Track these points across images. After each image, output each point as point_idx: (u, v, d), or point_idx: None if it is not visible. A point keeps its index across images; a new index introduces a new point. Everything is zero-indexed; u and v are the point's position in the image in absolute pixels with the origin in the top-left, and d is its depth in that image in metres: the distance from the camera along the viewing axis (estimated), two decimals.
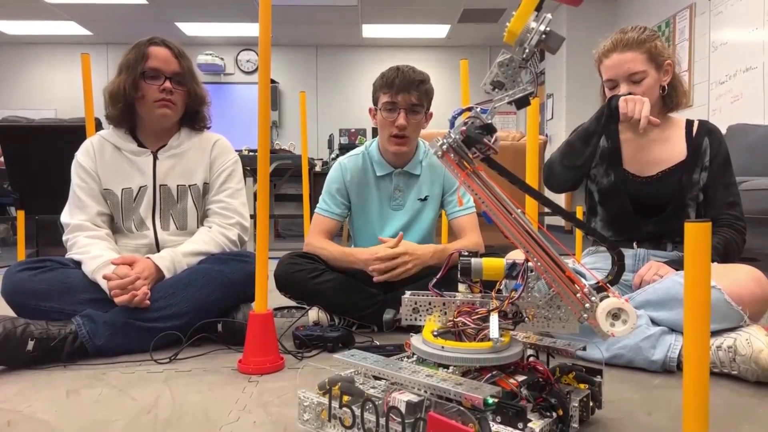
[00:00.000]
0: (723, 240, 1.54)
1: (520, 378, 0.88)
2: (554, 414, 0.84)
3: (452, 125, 0.92)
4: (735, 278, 1.34)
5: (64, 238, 1.70)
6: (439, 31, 7.40)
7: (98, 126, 2.43)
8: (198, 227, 1.77)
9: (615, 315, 0.85)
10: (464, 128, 0.90)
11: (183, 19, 6.97)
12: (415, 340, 0.96)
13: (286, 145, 6.59)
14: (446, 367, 0.90)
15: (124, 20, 6.85)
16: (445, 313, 0.99)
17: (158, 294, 1.55)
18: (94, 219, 1.70)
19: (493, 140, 0.90)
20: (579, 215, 2.16)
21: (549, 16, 0.91)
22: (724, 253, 1.52)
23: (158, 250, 1.70)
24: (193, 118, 1.82)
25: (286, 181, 5.67)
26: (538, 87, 0.97)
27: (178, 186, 1.76)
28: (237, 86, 7.82)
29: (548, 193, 1.64)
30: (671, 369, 1.30)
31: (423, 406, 0.81)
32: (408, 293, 1.01)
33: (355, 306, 1.74)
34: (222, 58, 7.77)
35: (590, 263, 1.74)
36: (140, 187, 1.73)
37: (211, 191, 1.80)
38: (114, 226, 1.77)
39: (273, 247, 2.04)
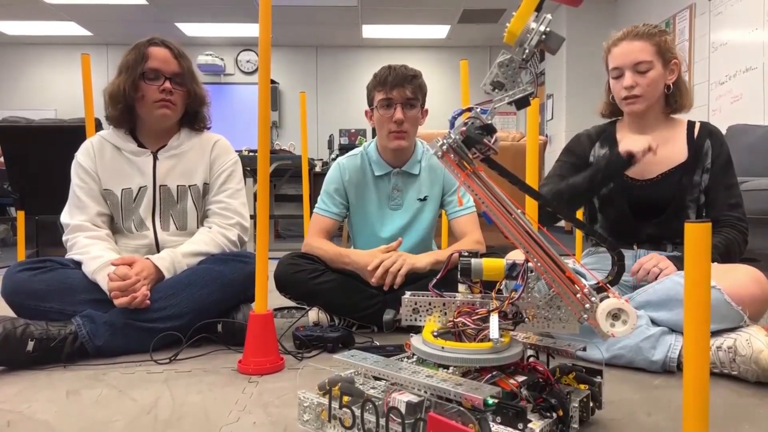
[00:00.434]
0: (724, 240, 1.54)
1: (520, 378, 0.88)
2: (554, 414, 0.84)
3: (452, 125, 0.92)
4: (735, 278, 1.34)
5: (64, 238, 1.70)
6: (439, 31, 7.39)
7: (98, 126, 2.43)
8: (198, 228, 1.77)
9: (615, 315, 0.86)
10: (464, 128, 0.90)
11: (183, 19, 6.96)
12: (415, 340, 0.96)
13: (286, 146, 6.59)
14: (446, 367, 0.90)
15: (124, 21, 6.85)
16: (445, 314, 0.99)
17: (158, 294, 1.55)
18: (94, 219, 1.70)
19: (493, 140, 0.90)
20: (579, 216, 2.15)
21: (549, 16, 0.91)
22: (725, 253, 1.52)
23: (158, 251, 1.70)
24: (193, 118, 1.82)
25: (286, 181, 5.67)
26: (538, 87, 0.97)
27: (178, 186, 1.76)
28: (237, 87, 7.81)
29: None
30: (671, 369, 1.30)
31: (423, 407, 0.81)
32: (408, 294, 1.01)
33: (355, 306, 1.74)
34: (222, 59, 7.77)
35: (590, 264, 1.74)
36: (140, 188, 1.73)
37: (211, 192, 1.80)
38: (114, 227, 1.77)
39: (273, 248, 2.04)
